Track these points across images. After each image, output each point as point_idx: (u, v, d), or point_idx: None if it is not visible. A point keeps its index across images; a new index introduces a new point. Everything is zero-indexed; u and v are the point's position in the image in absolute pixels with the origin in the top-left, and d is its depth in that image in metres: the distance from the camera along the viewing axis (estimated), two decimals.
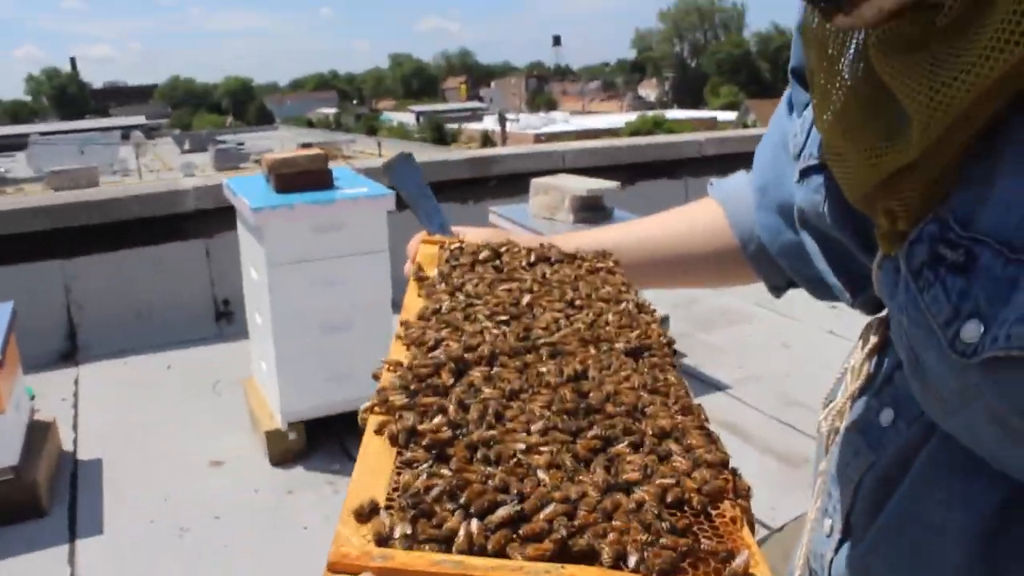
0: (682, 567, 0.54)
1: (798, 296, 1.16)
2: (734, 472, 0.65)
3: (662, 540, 0.55)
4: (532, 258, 1.06)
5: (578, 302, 0.93)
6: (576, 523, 0.55)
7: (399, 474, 0.60)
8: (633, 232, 1.21)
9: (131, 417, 4.17)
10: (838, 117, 0.72)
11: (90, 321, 5.11)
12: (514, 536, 0.54)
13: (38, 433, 3.61)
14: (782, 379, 4.48)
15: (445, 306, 0.89)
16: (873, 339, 0.89)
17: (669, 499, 0.59)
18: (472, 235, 1.19)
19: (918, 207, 0.66)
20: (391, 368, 0.76)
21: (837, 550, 0.88)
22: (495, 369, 0.77)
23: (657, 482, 0.61)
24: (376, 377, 0.77)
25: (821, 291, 1.02)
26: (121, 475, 3.62)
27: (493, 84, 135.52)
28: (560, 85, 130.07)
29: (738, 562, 0.55)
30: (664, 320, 4.75)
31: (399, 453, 0.63)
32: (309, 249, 3.61)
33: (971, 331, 0.60)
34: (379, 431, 0.66)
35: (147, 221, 5.21)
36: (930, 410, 0.71)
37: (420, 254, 1.10)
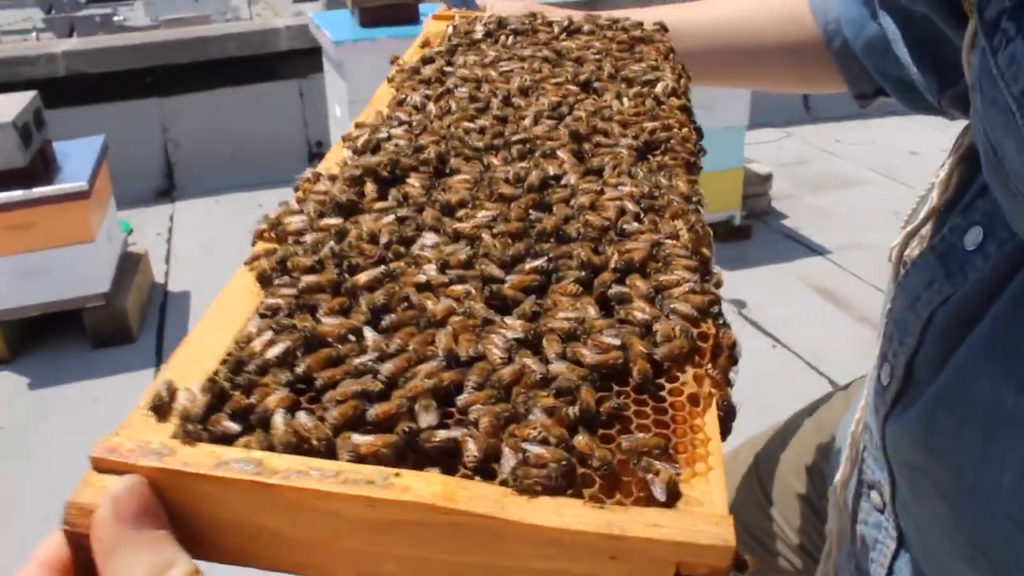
0: (582, 477, 0.39)
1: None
2: (719, 324, 0.50)
3: (551, 438, 0.40)
4: (556, 30, 0.88)
5: (595, 83, 0.76)
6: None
7: (248, 329, 0.48)
8: (694, 13, 1.01)
9: (221, 253, 4.24)
10: None
11: (186, 159, 5.17)
12: (364, 416, 0.41)
13: (130, 264, 3.70)
14: (888, 249, 4.17)
15: (412, 99, 0.74)
16: (965, 143, 0.71)
17: (599, 366, 0.45)
18: (500, 8, 1.00)
19: None
20: (311, 179, 0.63)
21: (894, 404, 0.73)
22: (442, 179, 0.63)
23: (590, 343, 0.46)
24: (296, 190, 0.63)
25: (910, 96, 0.84)
26: (207, 307, 3.69)
27: None
28: None
29: (657, 484, 0.39)
30: (767, 178, 4.48)
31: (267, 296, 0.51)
32: None
33: None
34: (250, 263, 0.53)
35: (243, 60, 5.17)
36: (1017, 222, 0.57)
37: (425, 32, 0.93)
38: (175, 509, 0.37)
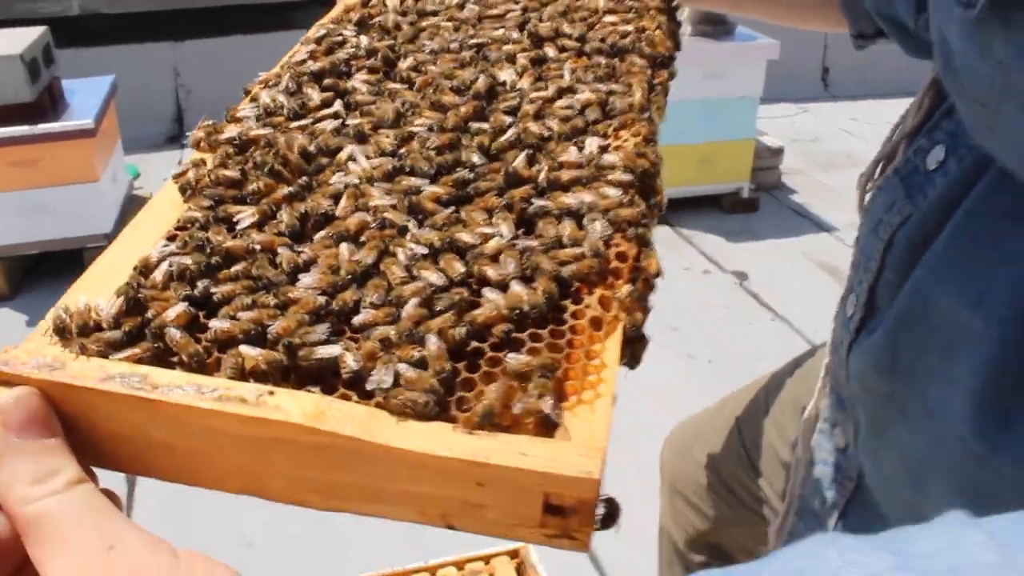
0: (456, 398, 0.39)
1: None
2: (644, 247, 0.48)
3: (430, 363, 0.39)
4: None
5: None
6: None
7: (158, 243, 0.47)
8: None
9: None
10: None
11: (197, 106, 5.15)
12: (253, 331, 0.41)
13: (135, 207, 3.69)
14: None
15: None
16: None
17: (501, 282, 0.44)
18: None
19: None
20: (263, 83, 0.62)
21: (858, 332, 0.73)
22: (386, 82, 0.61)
23: (483, 263, 0.45)
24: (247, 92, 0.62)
25: (907, 40, 0.82)
26: None
27: None
28: None
29: (529, 403, 0.38)
30: (778, 152, 4.44)
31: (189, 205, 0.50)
32: None
33: None
34: (177, 176, 0.53)
35: (258, 9, 5.13)
36: (972, 127, 0.57)
37: None
38: (69, 419, 0.38)
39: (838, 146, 5.29)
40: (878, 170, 0.77)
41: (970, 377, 0.59)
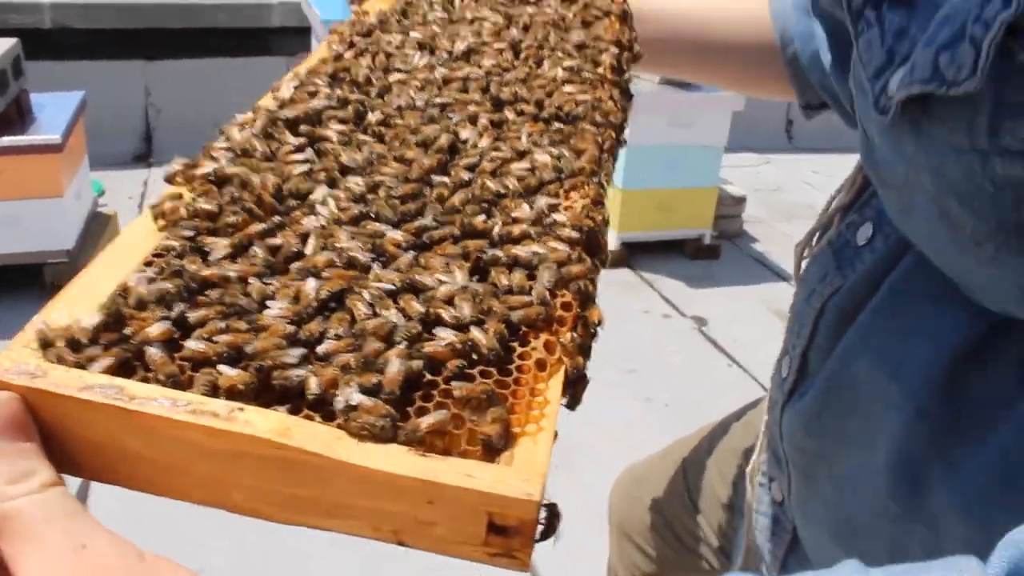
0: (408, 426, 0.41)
1: None
2: (588, 299, 0.52)
3: (384, 390, 0.42)
4: None
5: (537, 49, 0.77)
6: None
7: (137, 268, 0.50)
8: (658, 3, 1.02)
9: None
10: None
11: (167, 125, 5.14)
12: (227, 353, 0.43)
13: (98, 225, 3.67)
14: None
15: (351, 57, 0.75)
16: None
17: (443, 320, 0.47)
18: None
19: None
20: (237, 124, 0.64)
21: (791, 394, 0.78)
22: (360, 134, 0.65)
23: (438, 306, 0.48)
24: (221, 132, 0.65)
25: (846, 115, 0.87)
26: None
27: None
28: None
29: (481, 426, 0.42)
30: (741, 201, 4.53)
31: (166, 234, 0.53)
32: None
33: (898, 79, 0.50)
34: (155, 207, 0.55)
35: (232, 32, 5.14)
36: (891, 211, 0.62)
37: None
38: (47, 427, 0.40)
39: (800, 197, 5.41)
40: (814, 240, 0.82)
41: (887, 442, 0.63)
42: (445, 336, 0.46)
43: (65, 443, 0.41)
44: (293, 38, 5.16)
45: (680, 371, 3.29)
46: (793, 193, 5.47)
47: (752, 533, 0.90)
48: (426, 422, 0.41)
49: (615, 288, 3.84)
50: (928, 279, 0.60)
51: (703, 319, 3.73)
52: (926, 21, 0.49)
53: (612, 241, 3.96)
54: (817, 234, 0.83)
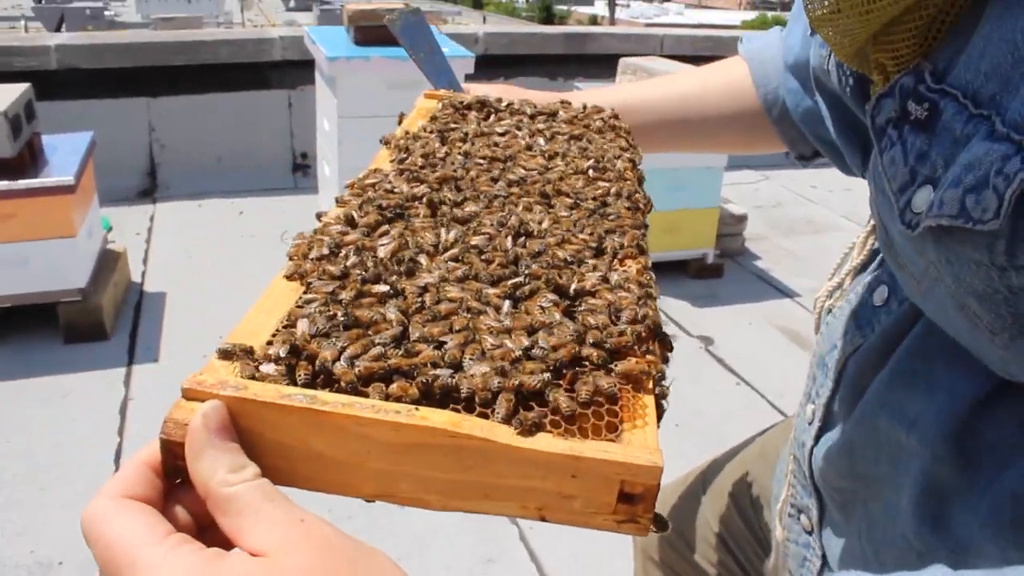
0: (548, 421, 0.50)
1: None
2: (660, 335, 0.61)
3: (534, 380, 0.51)
4: (530, 111, 1.00)
5: (560, 157, 0.88)
6: (448, 365, 0.53)
7: (293, 311, 0.58)
8: (651, 90, 1.11)
9: (199, 257, 4.26)
10: None
11: (171, 161, 5.20)
12: (386, 371, 0.51)
13: (108, 262, 3.72)
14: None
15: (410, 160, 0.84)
16: None
17: (561, 354, 0.55)
18: (483, 90, 1.09)
19: (908, 61, 0.60)
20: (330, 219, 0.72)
21: (817, 439, 0.83)
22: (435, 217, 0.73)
23: (553, 331, 0.57)
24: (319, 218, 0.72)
25: (843, 162, 0.92)
26: (182, 311, 3.73)
27: None
28: None
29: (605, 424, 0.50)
30: (742, 219, 4.58)
31: (305, 289, 0.61)
32: (381, 104, 3.53)
33: (922, 199, 0.55)
34: (289, 276, 0.63)
35: (234, 67, 5.21)
36: (908, 290, 0.67)
37: (418, 108, 1.02)
38: (243, 433, 0.48)
39: (799, 212, 5.47)
40: (832, 298, 0.87)
41: (912, 486, 0.69)
42: (566, 342, 0.55)
43: (256, 447, 0.48)
44: (295, 72, 5.24)
45: (689, 391, 3.33)
46: (793, 208, 5.53)
47: (780, 563, 0.94)
48: (583, 394, 0.51)
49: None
50: (943, 340, 0.65)
51: (709, 338, 3.78)
52: (943, 148, 0.54)
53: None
54: (835, 290, 0.88)
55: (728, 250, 4.53)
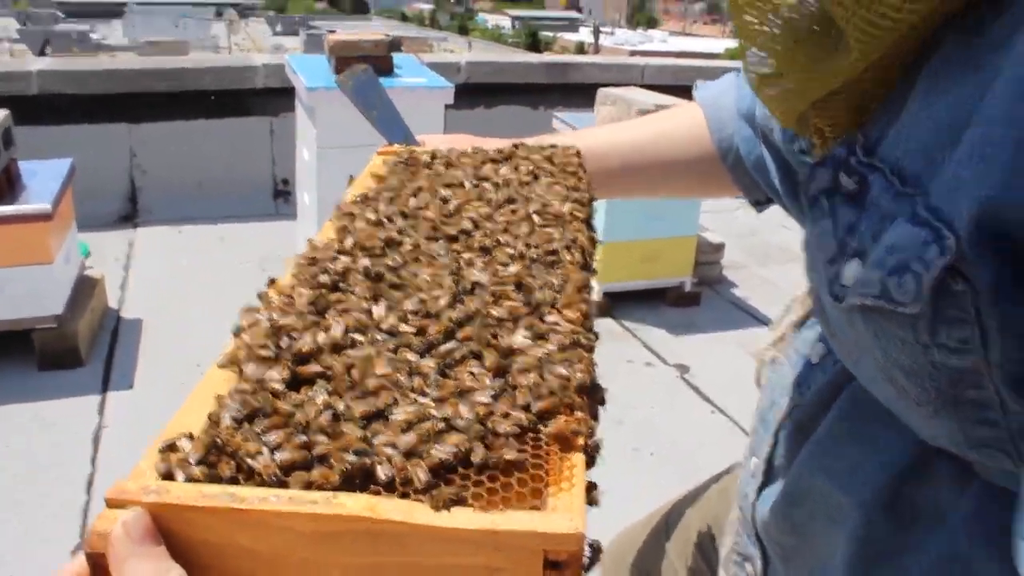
0: (466, 495, 0.50)
1: None
2: (593, 389, 0.61)
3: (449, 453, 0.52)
4: (480, 159, 1.00)
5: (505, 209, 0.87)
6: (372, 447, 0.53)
7: (220, 402, 0.58)
8: (603, 137, 1.13)
9: (178, 284, 4.26)
10: (777, 37, 0.64)
11: (152, 186, 5.20)
12: (308, 459, 0.52)
13: (86, 288, 3.71)
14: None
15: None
16: None
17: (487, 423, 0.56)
18: (437, 141, 1.11)
19: (845, 130, 0.62)
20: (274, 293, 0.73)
21: (759, 492, 0.84)
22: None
23: (475, 400, 0.58)
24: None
25: (797, 211, 0.94)
26: (159, 337, 3.72)
27: None
28: (664, 3, 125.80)
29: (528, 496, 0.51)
30: (719, 247, 4.62)
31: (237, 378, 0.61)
32: (361, 135, 3.53)
33: (851, 272, 0.56)
34: (223, 364, 0.63)
35: (217, 94, 5.24)
36: (839, 353, 0.68)
37: (370, 167, 1.03)
38: (169, 536, 0.48)
39: (776, 240, 5.53)
40: (773, 351, 0.89)
41: (845, 545, 0.70)
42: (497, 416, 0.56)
43: (183, 548, 0.48)
44: (276, 99, 5.26)
45: (665, 420, 3.35)
46: (769, 236, 5.58)
47: None
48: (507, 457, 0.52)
49: (599, 338, 3.90)
50: (875, 404, 0.65)
51: (685, 366, 3.80)
52: (872, 223, 0.55)
53: (595, 291, 4.04)
54: (774, 344, 0.89)
55: (706, 278, 4.57)
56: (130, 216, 5.14)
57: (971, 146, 0.48)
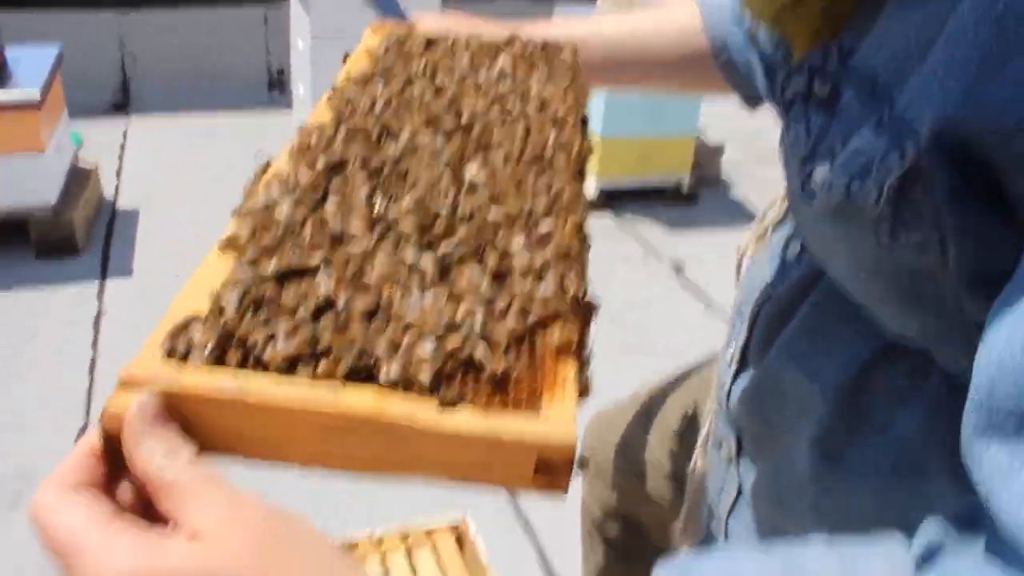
0: (469, 391, 0.52)
1: None
2: (585, 302, 0.61)
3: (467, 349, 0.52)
4: (475, 47, 0.96)
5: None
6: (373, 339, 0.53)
7: (223, 289, 0.57)
8: (599, 29, 1.12)
9: (173, 173, 4.23)
10: None
11: (144, 74, 5.10)
12: (314, 352, 0.52)
13: (80, 177, 3.69)
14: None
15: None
16: None
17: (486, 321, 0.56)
18: (430, 21, 1.08)
19: (821, 37, 0.63)
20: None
21: (733, 381, 0.88)
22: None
23: (480, 298, 0.58)
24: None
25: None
26: (156, 225, 3.72)
27: None
28: None
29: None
30: (719, 148, 4.59)
31: (238, 262, 0.60)
32: (356, 25, 3.46)
33: (820, 175, 0.59)
34: (222, 247, 0.63)
35: None
36: (811, 248, 0.71)
37: (362, 45, 0.99)
38: (180, 417, 0.50)
39: (776, 141, 5.47)
40: (753, 245, 0.91)
41: (810, 430, 0.75)
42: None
43: (193, 428, 0.50)
44: None
45: (657, 316, 3.39)
46: (771, 136, 5.51)
47: (697, 493, 0.99)
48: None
49: (595, 235, 3.91)
50: (843, 300, 0.69)
51: (680, 264, 3.82)
52: (840, 129, 0.57)
53: (592, 188, 4.02)
54: (755, 240, 0.91)
55: (704, 178, 4.54)
56: (122, 105, 5.05)
57: (935, 62, 0.51)
